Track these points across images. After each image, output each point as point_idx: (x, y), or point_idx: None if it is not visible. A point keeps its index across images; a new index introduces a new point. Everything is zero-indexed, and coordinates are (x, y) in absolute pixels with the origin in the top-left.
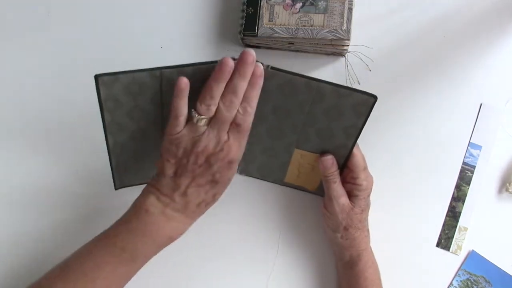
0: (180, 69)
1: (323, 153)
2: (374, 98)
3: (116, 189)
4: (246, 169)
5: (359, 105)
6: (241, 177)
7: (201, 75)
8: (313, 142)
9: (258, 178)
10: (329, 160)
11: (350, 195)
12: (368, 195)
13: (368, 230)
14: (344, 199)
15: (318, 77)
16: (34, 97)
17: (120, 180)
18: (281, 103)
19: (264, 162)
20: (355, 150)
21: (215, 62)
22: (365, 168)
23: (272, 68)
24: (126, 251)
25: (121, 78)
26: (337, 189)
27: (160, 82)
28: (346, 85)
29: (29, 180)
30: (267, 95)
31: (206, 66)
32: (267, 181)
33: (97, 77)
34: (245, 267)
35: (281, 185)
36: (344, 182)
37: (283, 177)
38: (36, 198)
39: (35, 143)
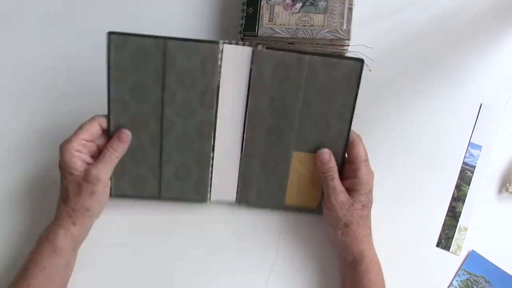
0: (182, 43)
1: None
2: (361, 61)
3: (111, 195)
4: (245, 197)
5: (349, 75)
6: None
7: None
8: (310, 139)
9: (258, 207)
10: (326, 154)
11: (351, 190)
12: (370, 191)
13: (370, 229)
14: (343, 196)
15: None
16: (34, 96)
17: (116, 186)
18: (276, 92)
19: (263, 180)
20: (356, 140)
21: (216, 42)
22: (366, 160)
23: (268, 48)
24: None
25: (130, 40)
26: (336, 185)
27: (163, 56)
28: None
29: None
30: (264, 85)
31: (206, 44)
32: (268, 208)
33: (109, 34)
34: (245, 267)
35: (283, 210)
36: (344, 178)
37: (283, 197)
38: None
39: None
